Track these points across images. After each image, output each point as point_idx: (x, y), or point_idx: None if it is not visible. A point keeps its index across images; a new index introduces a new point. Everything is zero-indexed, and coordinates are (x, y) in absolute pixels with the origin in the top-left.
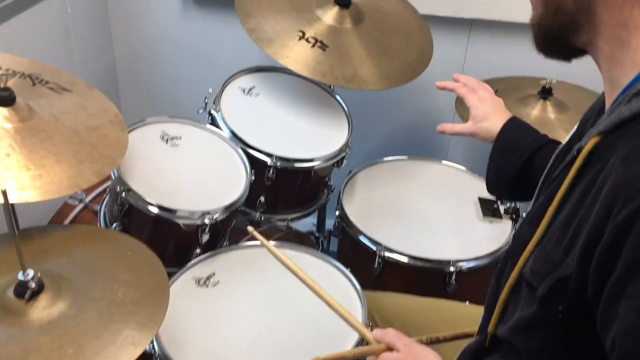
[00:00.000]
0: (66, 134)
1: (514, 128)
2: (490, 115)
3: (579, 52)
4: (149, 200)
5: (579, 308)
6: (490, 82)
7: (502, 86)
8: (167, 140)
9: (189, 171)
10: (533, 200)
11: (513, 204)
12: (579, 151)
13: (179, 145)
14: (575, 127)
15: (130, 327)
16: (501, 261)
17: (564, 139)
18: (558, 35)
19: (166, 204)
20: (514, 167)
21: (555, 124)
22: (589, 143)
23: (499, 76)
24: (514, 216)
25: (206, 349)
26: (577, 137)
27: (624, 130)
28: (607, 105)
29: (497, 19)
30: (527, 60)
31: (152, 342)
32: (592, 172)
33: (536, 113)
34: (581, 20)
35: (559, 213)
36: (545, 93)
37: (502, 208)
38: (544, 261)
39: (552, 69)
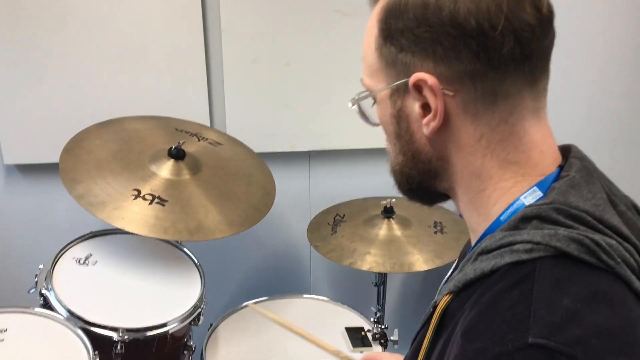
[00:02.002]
0: None
1: None
2: None
3: (443, 197)
4: None
5: None
6: (336, 208)
7: (347, 210)
8: None
9: None
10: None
11: (380, 328)
12: (434, 308)
13: (3, 340)
14: (455, 262)
15: None
16: None
17: (412, 254)
18: (420, 182)
19: None
20: None
21: (403, 240)
22: (442, 301)
23: (343, 201)
24: (383, 341)
25: None
26: (455, 270)
27: (470, 292)
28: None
29: (333, 148)
30: (366, 182)
31: None
32: (446, 333)
33: (383, 232)
34: (439, 167)
35: None
36: (388, 212)
37: (369, 335)
38: None
39: (389, 188)
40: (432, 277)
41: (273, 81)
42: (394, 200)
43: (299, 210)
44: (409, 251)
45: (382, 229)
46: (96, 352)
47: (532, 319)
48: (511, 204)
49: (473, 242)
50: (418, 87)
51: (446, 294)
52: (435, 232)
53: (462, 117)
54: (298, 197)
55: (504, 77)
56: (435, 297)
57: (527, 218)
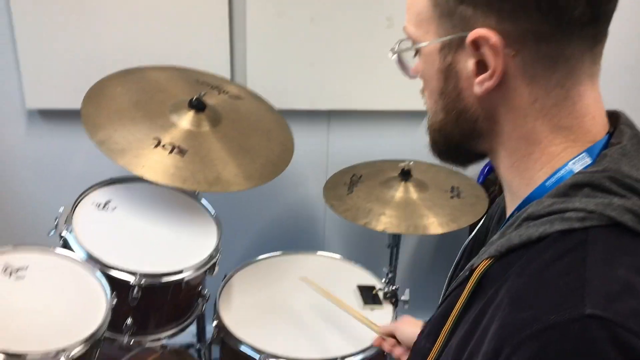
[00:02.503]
0: None
1: None
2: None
3: (479, 157)
4: None
5: None
6: (353, 168)
7: (365, 171)
8: (10, 273)
9: (39, 306)
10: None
11: (391, 288)
12: (472, 272)
13: (24, 277)
14: (481, 222)
15: None
16: None
17: (428, 217)
18: (460, 142)
19: (13, 348)
20: None
21: (419, 203)
22: (481, 265)
23: (361, 162)
24: (394, 300)
25: None
26: (482, 232)
27: (514, 258)
28: (508, 213)
29: (353, 109)
30: (385, 144)
31: None
32: (483, 298)
33: (400, 194)
34: (484, 128)
35: (453, 333)
36: (405, 175)
37: (381, 294)
38: None
39: (408, 151)
40: (446, 241)
41: (297, 37)
42: (412, 163)
43: (316, 169)
44: (424, 214)
45: (399, 191)
46: (114, 293)
47: (587, 289)
48: (558, 170)
49: (511, 206)
50: (476, 43)
51: (486, 258)
52: (452, 197)
53: (519, 78)
54: (315, 156)
55: (569, 40)
56: (472, 261)
57: (578, 185)
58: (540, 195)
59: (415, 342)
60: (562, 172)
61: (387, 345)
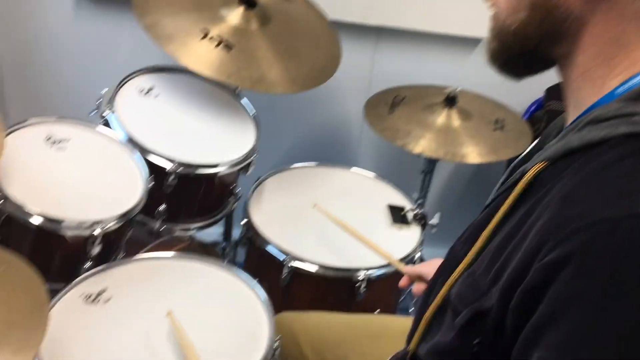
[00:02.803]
0: None
1: None
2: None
3: (543, 67)
4: (30, 209)
5: (494, 344)
6: (397, 89)
7: (409, 94)
8: (53, 142)
9: (78, 177)
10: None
11: (421, 210)
12: (523, 175)
13: (66, 148)
14: (537, 140)
15: (1, 353)
16: (432, 277)
17: (467, 145)
18: (536, 46)
19: (50, 213)
20: None
21: (460, 131)
22: (533, 168)
23: (405, 84)
24: (423, 222)
25: None
26: (535, 151)
27: (571, 161)
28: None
29: (403, 28)
30: (432, 69)
31: None
32: (531, 200)
33: (441, 120)
34: (570, 29)
35: (494, 237)
36: (450, 101)
37: (410, 215)
38: (471, 287)
39: (455, 78)
40: (481, 173)
41: None
42: (458, 89)
43: (358, 86)
44: (464, 142)
45: (441, 117)
46: (151, 177)
47: None
48: (633, 77)
49: (573, 116)
50: None
51: (541, 161)
52: (495, 129)
53: None
54: (359, 71)
55: None
56: (525, 165)
57: None
58: (608, 101)
59: (452, 248)
60: (635, 80)
61: (415, 288)
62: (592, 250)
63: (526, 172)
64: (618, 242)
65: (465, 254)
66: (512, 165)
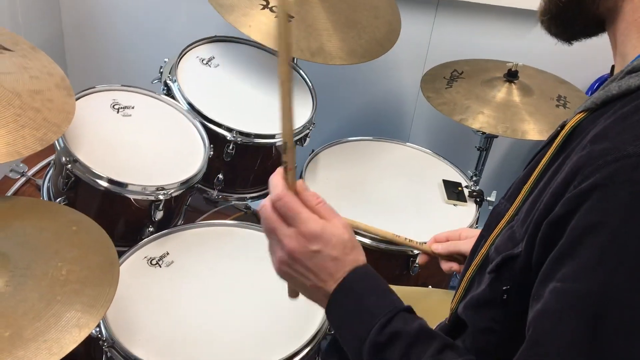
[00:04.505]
0: (5, 96)
1: None
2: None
3: (593, 27)
4: (97, 172)
5: (522, 290)
6: (455, 63)
7: (467, 68)
8: (118, 109)
9: (142, 143)
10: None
11: (477, 187)
12: (563, 127)
13: (131, 115)
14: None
15: (74, 308)
16: (477, 237)
17: (528, 122)
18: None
19: (117, 177)
20: None
21: (520, 107)
22: (573, 119)
23: (463, 58)
24: (478, 200)
25: (158, 334)
26: None
27: (608, 109)
28: None
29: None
30: (491, 43)
31: (99, 325)
32: (570, 148)
33: (502, 95)
34: None
35: (533, 190)
36: (511, 76)
37: (466, 191)
38: (508, 239)
39: (514, 54)
40: None
41: None
42: (520, 64)
43: (415, 59)
44: (525, 119)
45: (501, 92)
46: (211, 145)
47: None
48: None
49: (619, 69)
50: None
51: (581, 112)
52: (557, 106)
53: None
54: (417, 44)
55: None
56: (566, 119)
57: None
58: None
59: (495, 206)
60: None
61: (455, 267)
62: (614, 182)
63: (565, 124)
64: None
65: (507, 211)
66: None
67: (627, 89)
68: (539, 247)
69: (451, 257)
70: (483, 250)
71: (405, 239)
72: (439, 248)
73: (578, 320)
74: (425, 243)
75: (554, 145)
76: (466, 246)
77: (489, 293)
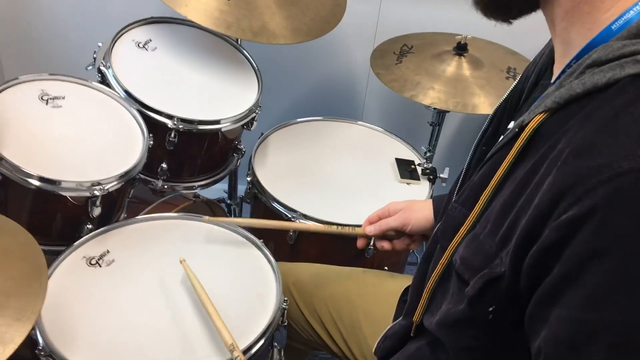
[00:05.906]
0: None
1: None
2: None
3: (527, 8)
4: (27, 170)
5: (509, 309)
6: (405, 38)
7: (416, 42)
8: (47, 100)
9: (75, 136)
10: (464, 170)
11: (430, 165)
12: (522, 129)
13: (62, 106)
14: (514, 83)
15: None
16: (429, 242)
17: (479, 96)
18: None
19: (48, 174)
20: None
21: (471, 80)
22: (534, 120)
23: (412, 32)
24: (432, 177)
25: (100, 338)
26: (516, 95)
27: (575, 109)
28: (557, 69)
29: None
30: (440, 16)
31: (35, 334)
32: (535, 155)
33: (451, 69)
34: None
35: (495, 196)
36: (461, 49)
37: (419, 169)
38: (476, 252)
39: (464, 26)
40: None
41: None
42: (469, 37)
43: (364, 35)
44: (476, 92)
45: (451, 66)
46: (150, 135)
47: None
48: (627, 11)
49: (563, 59)
50: None
51: (541, 112)
52: (507, 78)
53: None
54: (365, 20)
55: None
56: (522, 117)
57: None
58: (606, 40)
59: (447, 210)
60: (631, 13)
61: (385, 246)
62: (616, 204)
63: (525, 125)
64: None
65: (465, 218)
66: (493, 111)
67: (594, 87)
68: (529, 274)
69: (384, 235)
70: (443, 261)
71: (337, 227)
72: (372, 230)
73: (603, 352)
74: (360, 226)
75: (514, 149)
76: (396, 222)
77: (471, 313)
